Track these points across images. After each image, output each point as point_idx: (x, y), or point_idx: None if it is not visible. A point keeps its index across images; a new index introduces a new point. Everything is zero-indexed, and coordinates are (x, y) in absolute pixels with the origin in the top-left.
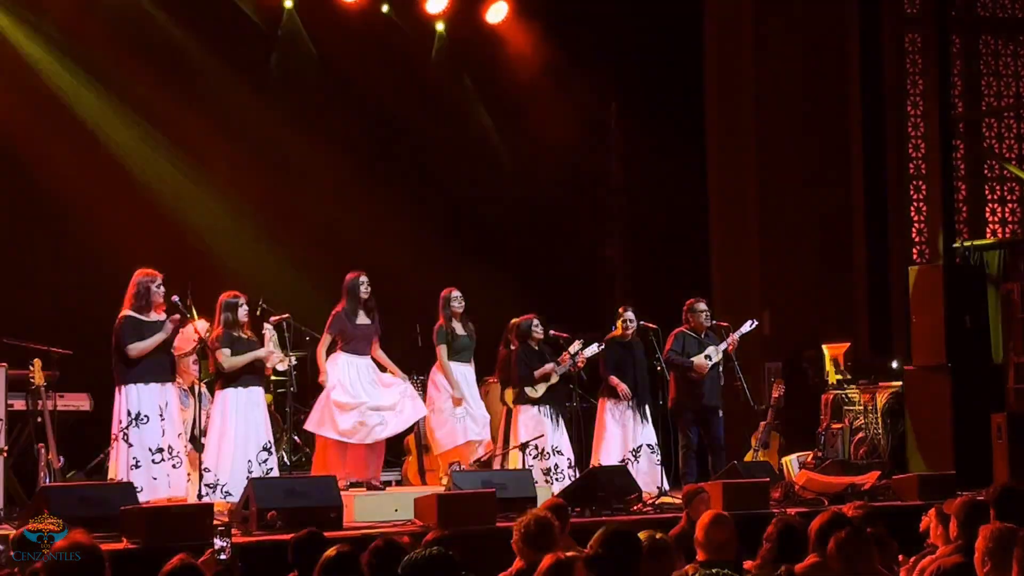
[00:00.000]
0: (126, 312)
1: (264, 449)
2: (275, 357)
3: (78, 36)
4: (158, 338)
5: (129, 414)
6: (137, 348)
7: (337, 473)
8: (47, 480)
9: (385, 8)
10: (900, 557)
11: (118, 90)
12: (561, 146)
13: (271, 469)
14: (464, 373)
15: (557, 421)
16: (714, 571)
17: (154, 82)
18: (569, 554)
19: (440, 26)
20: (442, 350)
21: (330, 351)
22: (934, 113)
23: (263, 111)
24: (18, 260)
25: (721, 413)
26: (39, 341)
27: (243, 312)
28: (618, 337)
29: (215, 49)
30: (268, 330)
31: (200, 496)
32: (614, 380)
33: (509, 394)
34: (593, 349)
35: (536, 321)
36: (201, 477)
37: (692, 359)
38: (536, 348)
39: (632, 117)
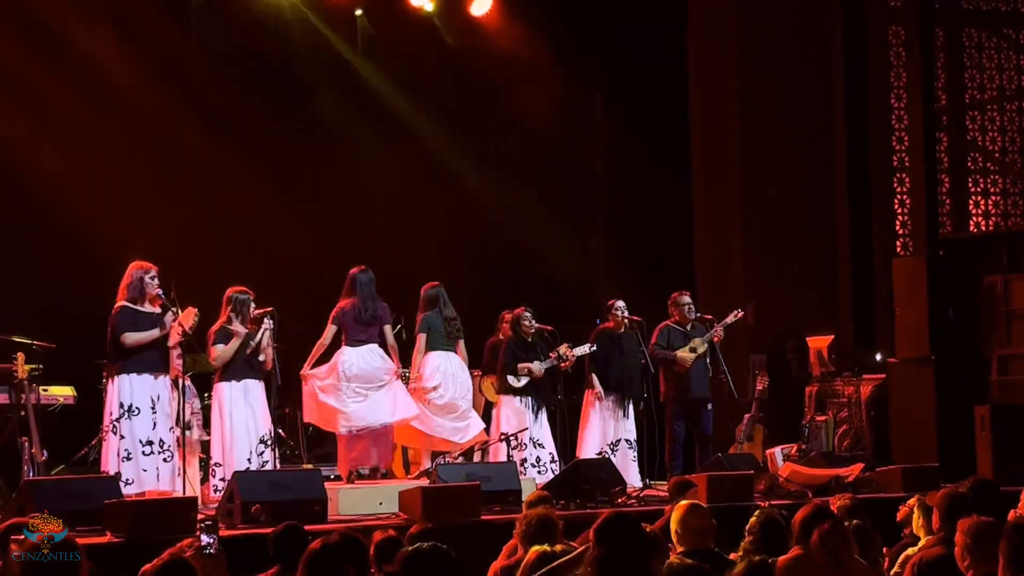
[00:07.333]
0: (121, 302)
1: (261, 441)
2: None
3: (59, 28)
4: (154, 333)
5: (121, 406)
6: (132, 338)
7: (343, 461)
8: (31, 474)
9: (359, 12)
10: (885, 550)
11: (101, 83)
12: (546, 137)
13: (266, 462)
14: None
15: (538, 413)
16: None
17: (140, 76)
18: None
19: (429, 7)
20: (421, 339)
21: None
22: (917, 105)
23: (245, 103)
24: (1, 254)
25: (710, 405)
26: (22, 334)
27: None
28: (610, 329)
29: (200, 44)
30: (267, 322)
31: (217, 491)
32: (593, 379)
33: (488, 387)
34: (584, 349)
35: (527, 313)
36: (214, 473)
37: (675, 352)
38: (528, 340)
39: (617, 109)
